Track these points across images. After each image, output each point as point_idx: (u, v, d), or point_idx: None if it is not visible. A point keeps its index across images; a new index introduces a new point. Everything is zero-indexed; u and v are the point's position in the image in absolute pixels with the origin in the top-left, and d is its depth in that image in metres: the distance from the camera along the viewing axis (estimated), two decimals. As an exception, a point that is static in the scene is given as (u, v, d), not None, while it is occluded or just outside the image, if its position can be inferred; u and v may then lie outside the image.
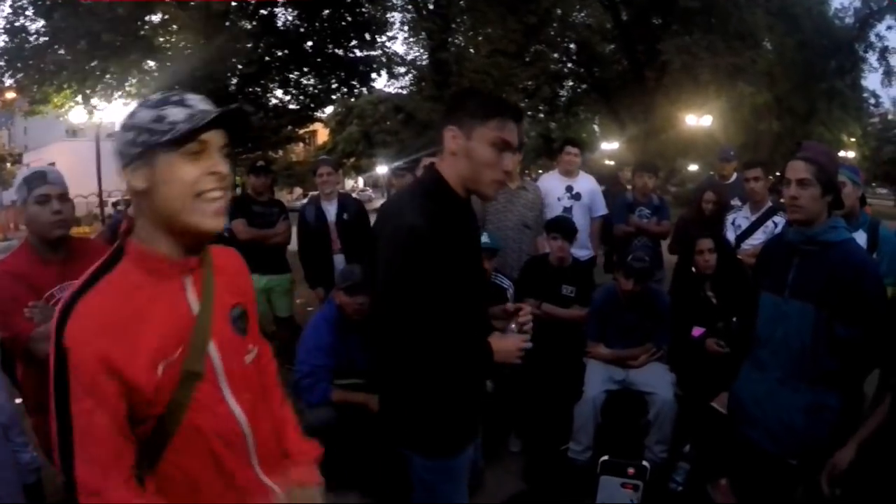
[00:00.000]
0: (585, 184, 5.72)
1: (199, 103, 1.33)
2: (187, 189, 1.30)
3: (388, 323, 2.05)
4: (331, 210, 5.40)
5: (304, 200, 9.88)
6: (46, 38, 14.89)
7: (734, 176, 6.06)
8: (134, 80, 15.82)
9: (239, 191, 13.29)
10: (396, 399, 2.19)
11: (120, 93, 16.12)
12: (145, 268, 1.33)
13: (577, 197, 5.57)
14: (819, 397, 2.47)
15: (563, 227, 4.61)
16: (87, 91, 15.77)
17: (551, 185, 5.57)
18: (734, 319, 4.02)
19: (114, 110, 17.35)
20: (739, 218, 5.07)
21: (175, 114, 1.29)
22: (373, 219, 2.58)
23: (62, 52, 14.84)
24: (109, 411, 1.23)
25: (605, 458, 3.54)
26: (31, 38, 14.99)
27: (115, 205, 23.89)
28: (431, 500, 2.17)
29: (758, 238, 4.75)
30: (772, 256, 2.80)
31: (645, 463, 3.54)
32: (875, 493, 2.20)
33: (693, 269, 4.33)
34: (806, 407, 2.47)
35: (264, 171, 5.81)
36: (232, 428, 1.43)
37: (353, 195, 6.61)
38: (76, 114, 17.31)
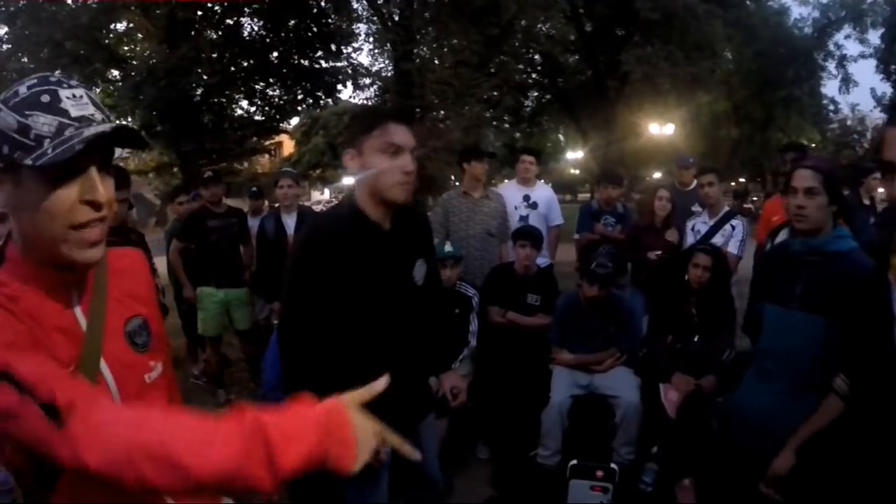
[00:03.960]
0: (542, 193, 5.78)
1: (74, 105, 1.11)
2: (58, 220, 1.09)
3: (282, 332, 2.13)
4: (290, 223, 5.35)
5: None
6: (9, 46, 14.66)
7: (694, 183, 6.14)
8: (98, 90, 15.62)
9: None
10: None
11: (83, 103, 15.86)
12: (21, 277, 1.15)
13: (533, 206, 5.60)
14: None
15: (530, 235, 4.67)
16: (50, 100, 15.50)
17: (509, 194, 5.54)
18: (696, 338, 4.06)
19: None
20: (699, 223, 5.19)
21: (41, 124, 1.06)
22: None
23: (25, 59, 14.62)
24: None
25: (574, 462, 3.58)
26: (-7, 46, 14.76)
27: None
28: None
29: (717, 241, 4.85)
30: (774, 267, 2.75)
31: (613, 465, 3.59)
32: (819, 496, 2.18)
33: (686, 277, 4.33)
34: None
35: (214, 180, 5.56)
36: None
37: (320, 207, 6.55)
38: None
